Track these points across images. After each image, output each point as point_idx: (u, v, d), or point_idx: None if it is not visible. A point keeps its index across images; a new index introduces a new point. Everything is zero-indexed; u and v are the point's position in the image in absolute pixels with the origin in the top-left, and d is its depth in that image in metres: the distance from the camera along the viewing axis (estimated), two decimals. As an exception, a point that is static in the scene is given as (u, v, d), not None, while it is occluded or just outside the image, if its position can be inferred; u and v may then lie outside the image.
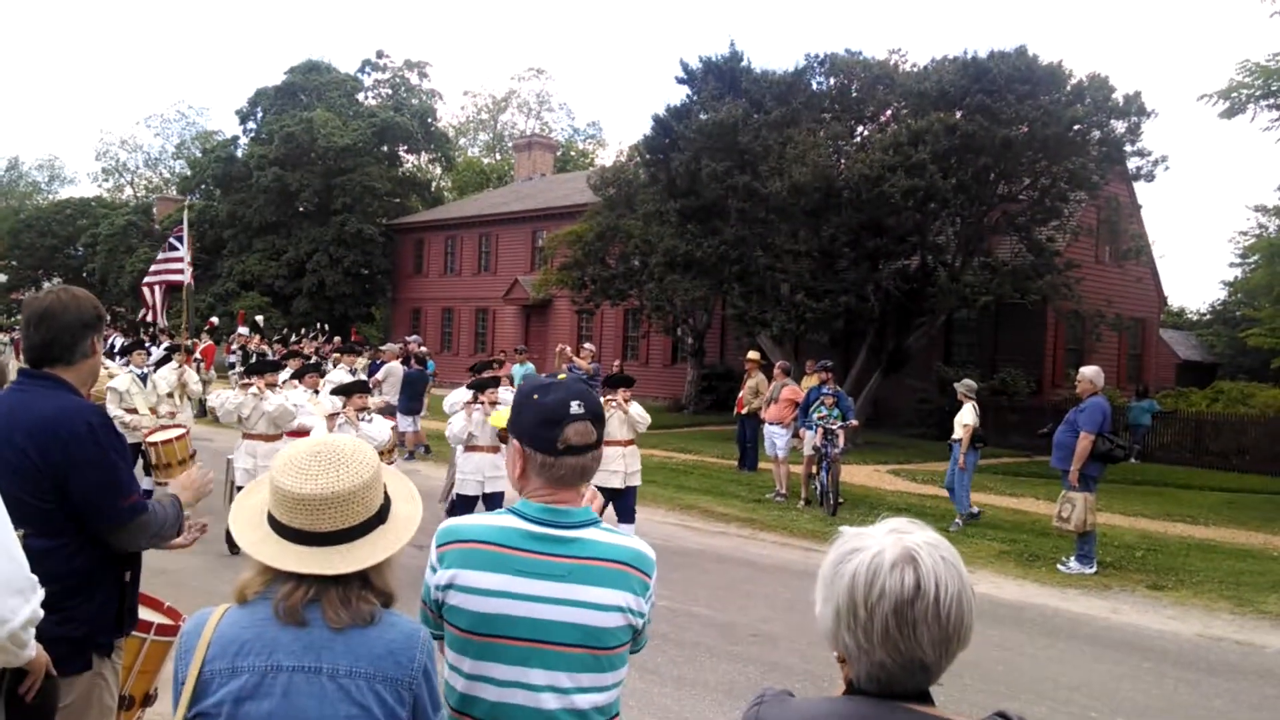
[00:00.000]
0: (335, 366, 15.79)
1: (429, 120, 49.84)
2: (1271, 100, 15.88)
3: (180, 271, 16.71)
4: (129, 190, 71.16)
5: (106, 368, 11.99)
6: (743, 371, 18.23)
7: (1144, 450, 22.31)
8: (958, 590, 1.53)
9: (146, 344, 14.27)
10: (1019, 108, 19.09)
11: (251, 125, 48.00)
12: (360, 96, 49.43)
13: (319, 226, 43.54)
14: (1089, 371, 10.60)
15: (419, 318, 42.82)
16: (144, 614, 3.45)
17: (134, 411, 10.97)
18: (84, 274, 50.75)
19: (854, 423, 14.79)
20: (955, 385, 13.36)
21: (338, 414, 9.21)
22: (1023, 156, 20.01)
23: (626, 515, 9.89)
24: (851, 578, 1.55)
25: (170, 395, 11.83)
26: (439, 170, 59.25)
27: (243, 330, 26.34)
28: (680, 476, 16.60)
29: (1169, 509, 15.08)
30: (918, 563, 1.53)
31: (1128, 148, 20.38)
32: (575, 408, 2.26)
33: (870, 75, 22.34)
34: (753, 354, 17.47)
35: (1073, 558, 10.59)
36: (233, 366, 23.48)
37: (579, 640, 2.22)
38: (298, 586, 1.99)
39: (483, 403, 9.42)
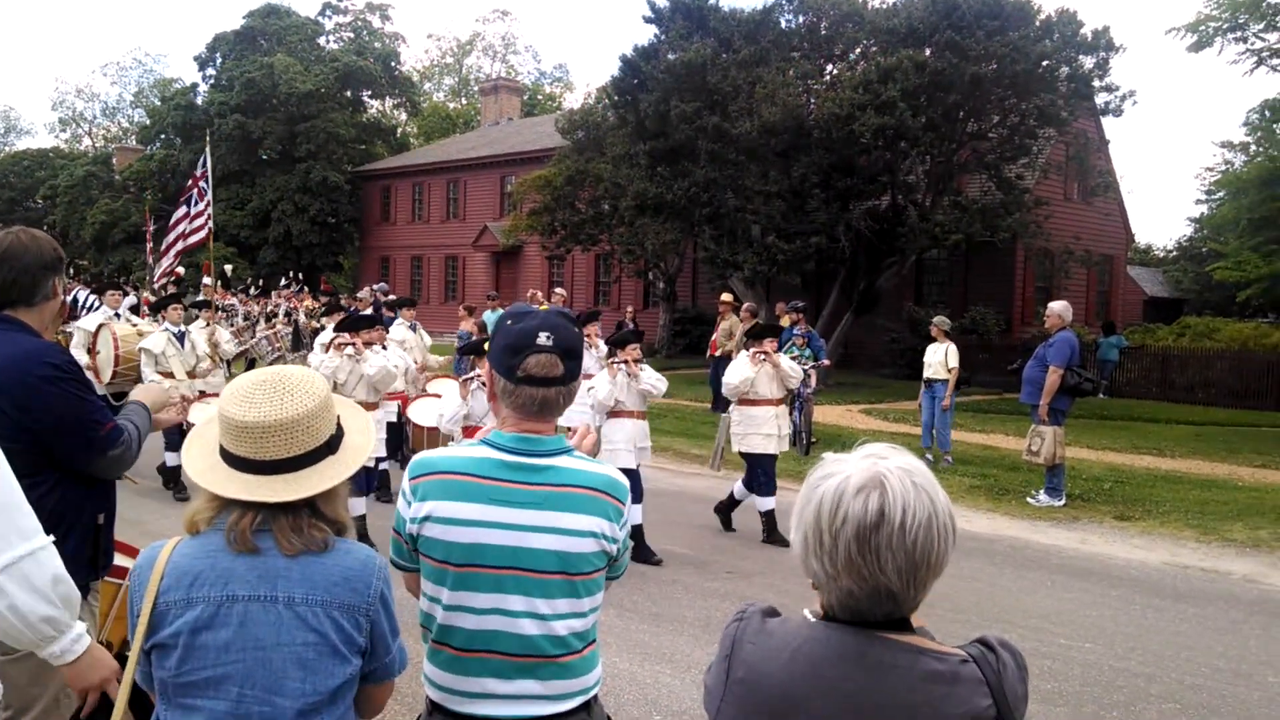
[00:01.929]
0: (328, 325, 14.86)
1: (392, 64, 49.06)
2: (1239, 33, 15.87)
3: (202, 229, 15.83)
4: (87, 141, 69.87)
5: (135, 324, 10.79)
6: (715, 314, 18.24)
7: (1111, 385, 22.59)
8: (927, 516, 1.49)
9: (183, 299, 11.97)
10: (988, 44, 19.00)
11: (211, 72, 47.07)
12: (321, 41, 48.53)
13: (283, 175, 42.93)
14: (1057, 306, 10.68)
15: (388, 266, 42.47)
16: (122, 561, 3.43)
17: (170, 375, 9.72)
18: (45, 226, 49.81)
19: (826, 362, 14.86)
20: (933, 322, 13.42)
21: (470, 378, 7.75)
22: (992, 93, 19.97)
23: (636, 495, 8.51)
24: (818, 504, 1.53)
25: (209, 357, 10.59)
26: (404, 116, 58.45)
27: (207, 281, 25.93)
28: (654, 419, 16.52)
29: (1136, 442, 15.31)
30: (884, 488, 1.49)
31: (1096, 83, 20.36)
32: (543, 339, 2.24)
33: (839, 12, 22.15)
34: (726, 296, 17.47)
35: (1042, 491, 10.75)
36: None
37: (556, 566, 2.23)
38: (245, 514, 2.00)
39: (625, 362, 8.24)
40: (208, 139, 17.67)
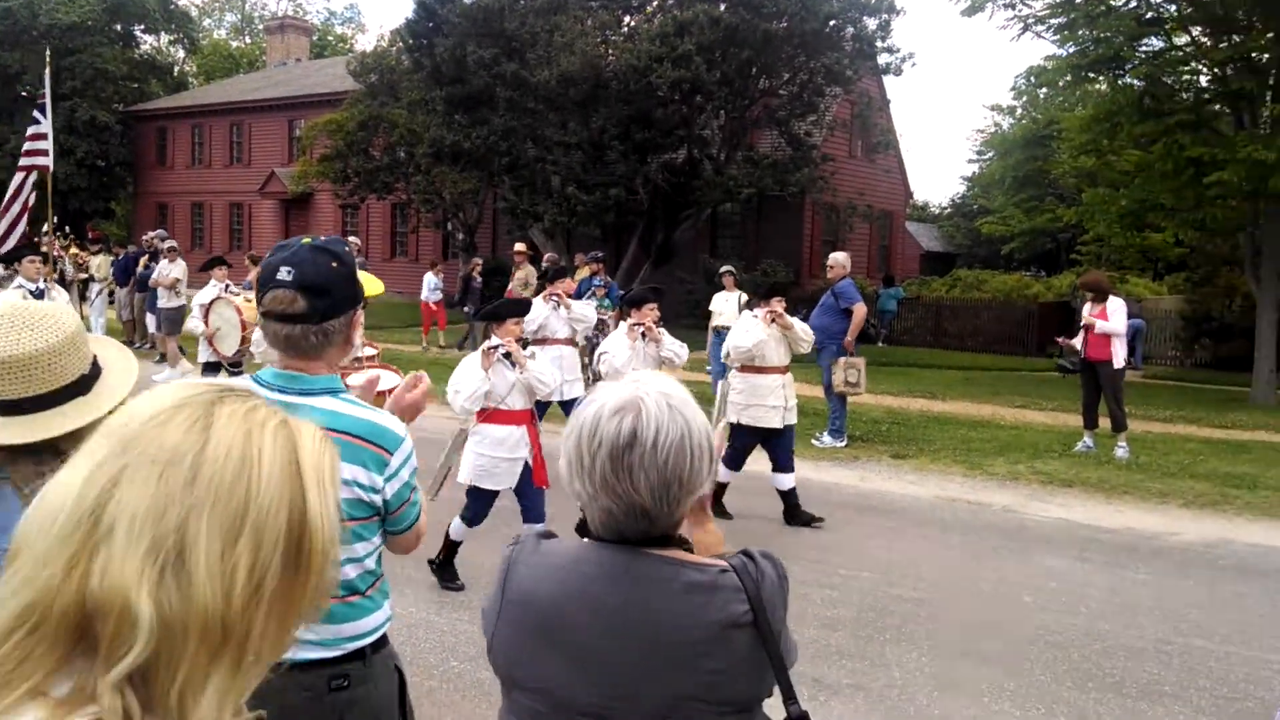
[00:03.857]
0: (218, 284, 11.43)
1: (168, -3, 45.79)
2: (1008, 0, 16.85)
3: (46, 153, 13.64)
4: None
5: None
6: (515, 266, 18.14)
7: (890, 334, 23.91)
8: (680, 436, 1.54)
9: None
10: (780, 1, 19.51)
11: (-43, -2, 42.60)
12: (87, -32, 44.68)
13: (44, 113, 39.50)
14: (840, 257, 11.20)
15: (166, 213, 39.90)
16: None
17: None
18: None
19: (624, 312, 15.04)
20: (723, 270, 13.82)
21: (494, 346, 6.28)
22: (782, 51, 20.55)
23: None
24: (579, 427, 1.57)
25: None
26: (181, 53, 54.77)
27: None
28: (449, 372, 16.43)
29: (911, 386, 16.28)
30: (639, 410, 1.54)
31: (879, 43, 21.30)
32: (283, 273, 2.17)
33: (637, -37, 22.22)
34: (520, 246, 17.39)
35: (825, 433, 11.30)
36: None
37: None
38: None
39: (644, 324, 7.51)
40: (47, 71, 15.53)
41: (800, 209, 26.21)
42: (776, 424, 7.94)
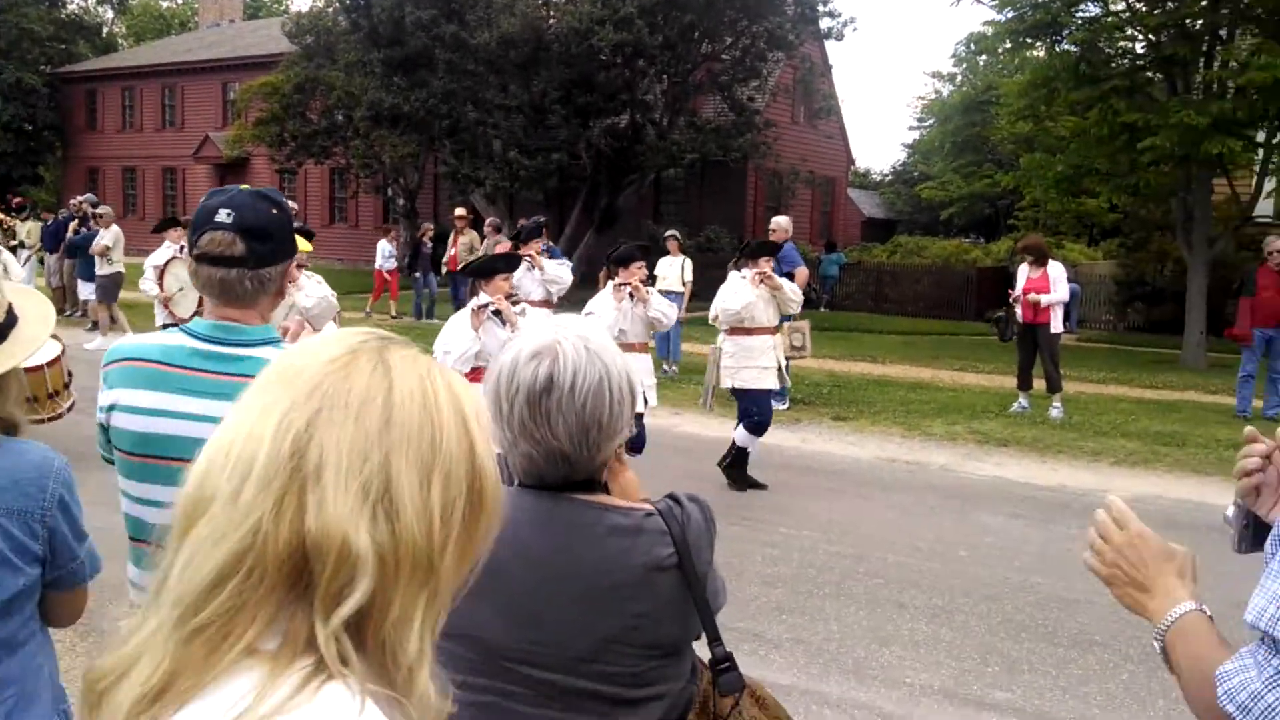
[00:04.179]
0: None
1: (94, -46, 44.38)
2: (947, -34, 16.95)
3: None
4: None
5: None
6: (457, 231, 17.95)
7: (832, 299, 24.11)
8: (597, 380, 1.53)
9: None
10: (722, -36, 19.43)
11: None
12: (7, -77, 43.11)
13: (-34, 75, 38.20)
14: (783, 220, 11.23)
15: (96, 178, 38.85)
16: None
17: None
18: None
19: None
20: (668, 234, 13.80)
21: (484, 305, 6.12)
22: (725, 14, 20.47)
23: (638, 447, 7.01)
24: (499, 373, 1.56)
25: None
26: (110, 13, 53.18)
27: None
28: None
29: (852, 350, 16.44)
30: (556, 354, 1.53)
31: (820, 7, 21.30)
32: (222, 215, 2.09)
33: (578, -76, 21.93)
34: (461, 210, 17.21)
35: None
36: None
37: None
38: None
39: (630, 284, 7.04)
40: None
41: (743, 174, 26.24)
42: (771, 384, 7.83)
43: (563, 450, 1.53)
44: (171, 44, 42.49)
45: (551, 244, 15.01)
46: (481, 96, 21.08)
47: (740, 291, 7.71)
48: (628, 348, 6.84)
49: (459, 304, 17.54)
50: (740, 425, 7.90)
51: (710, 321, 8.19)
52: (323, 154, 27.01)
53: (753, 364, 7.71)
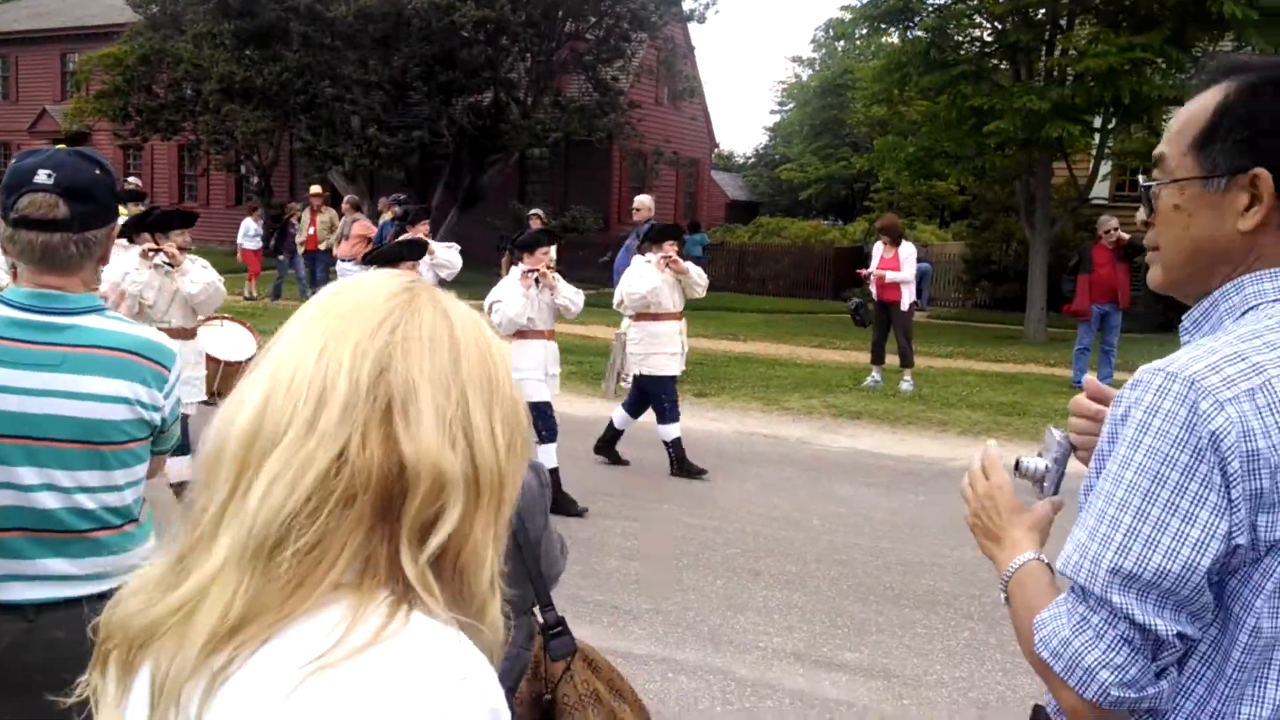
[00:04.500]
0: None
1: (-89, -89, 41.30)
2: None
3: None
4: None
5: None
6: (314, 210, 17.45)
7: (697, 279, 24.38)
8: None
9: None
10: (584, -57, 19.35)
11: None
12: None
13: None
14: (645, 199, 11.31)
15: (-81, 152, 36.35)
16: None
17: None
18: None
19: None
20: (531, 213, 13.74)
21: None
22: (588, -6, 20.43)
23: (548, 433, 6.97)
24: None
25: None
26: (-69, -25, 49.65)
27: None
28: (251, 318, 15.75)
29: (715, 329, 16.67)
30: None
31: (683, -11, 21.45)
32: (42, 176, 1.99)
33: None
34: (317, 188, 16.76)
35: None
36: None
37: (76, 435, 2.04)
38: None
39: (538, 270, 6.78)
40: None
41: (608, 155, 26.28)
42: (676, 371, 7.76)
43: None
44: (6, 11, 39.86)
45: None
46: (339, 72, 20.51)
47: (646, 276, 7.58)
48: (535, 335, 6.88)
49: (316, 284, 17.16)
50: (622, 408, 8.02)
51: (615, 307, 8.07)
52: (170, 129, 25.79)
53: (660, 350, 7.64)
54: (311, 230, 16.59)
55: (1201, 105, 1.32)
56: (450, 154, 22.13)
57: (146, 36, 24.98)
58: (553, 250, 7.54)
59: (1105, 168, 17.85)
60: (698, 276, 7.76)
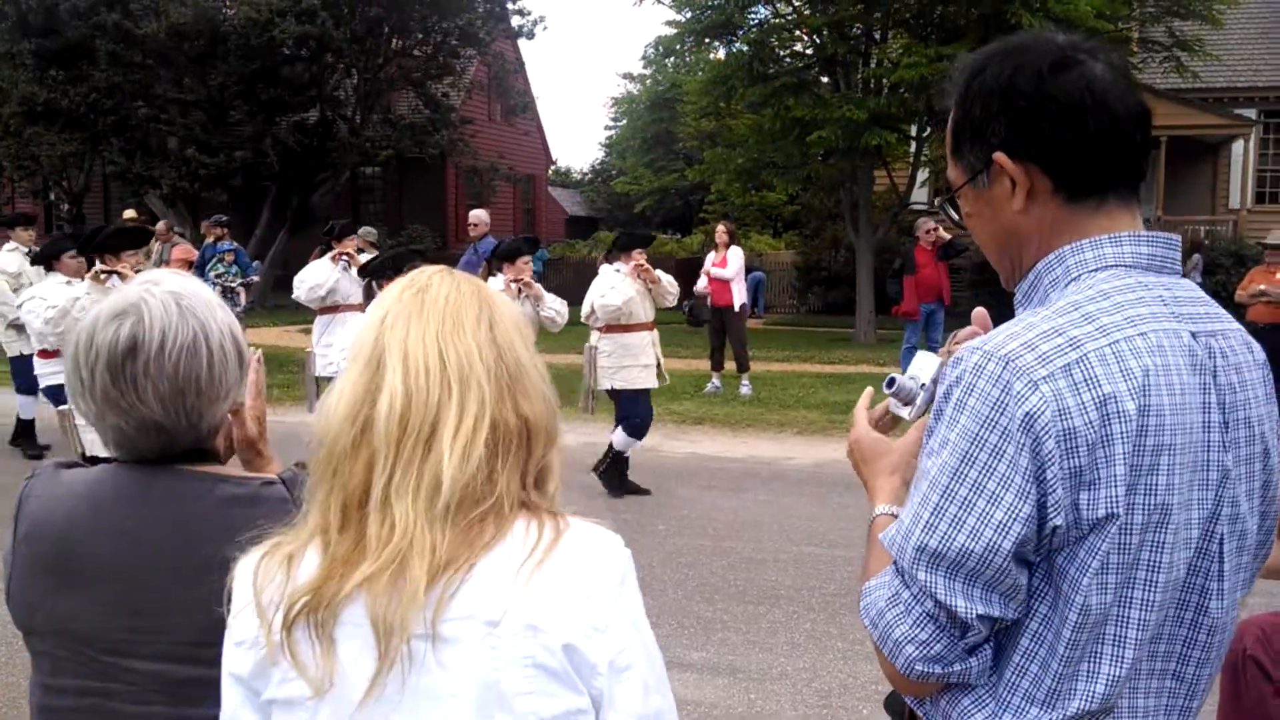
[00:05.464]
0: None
1: None
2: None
3: None
4: None
5: None
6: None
7: (538, 295, 24.35)
8: (192, 340, 1.40)
9: None
10: (406, -42, 19.12)
11: None
12: None
13: None
14: (481, 214, 11.35)
15: None
16: None
17: None
18: None
19: (256, 279, 14.28)
20: (359, 233, 13.39)
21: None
22: (414, 10, 20.17)
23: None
24: (76, 339, 1.39)
25: None
26: None
27: None
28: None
29: (557, 344, 16.57)
30: (141, 313, 1.38)
31: (510, 5, 21.45)
32: None
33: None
34: (129, 213, 15.97)
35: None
36: None
37: None
38: None
39: (521, 282, 6.76)
40: None
41: (442, 172, 25.99)
42: (652, 383, 7.47)
43: (155, 419, 1.39)
44: None
45: (237, 245, 14.23)
46: (153, 91, 19.62)
47: (618, 286, 7.30)
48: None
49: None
50: (619, 428, 7.56)
51: (583, 319, 7.71)
52: (-33, 154, 24.17)
53: (634, 362, 7.37)
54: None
55: (951, 115, 1.37)
56: (277, 174, 21.45)
57: (-66, 56, 23.35)
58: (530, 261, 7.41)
59: (923, 174, 18.71)
60: (669, 285, 7.50)
